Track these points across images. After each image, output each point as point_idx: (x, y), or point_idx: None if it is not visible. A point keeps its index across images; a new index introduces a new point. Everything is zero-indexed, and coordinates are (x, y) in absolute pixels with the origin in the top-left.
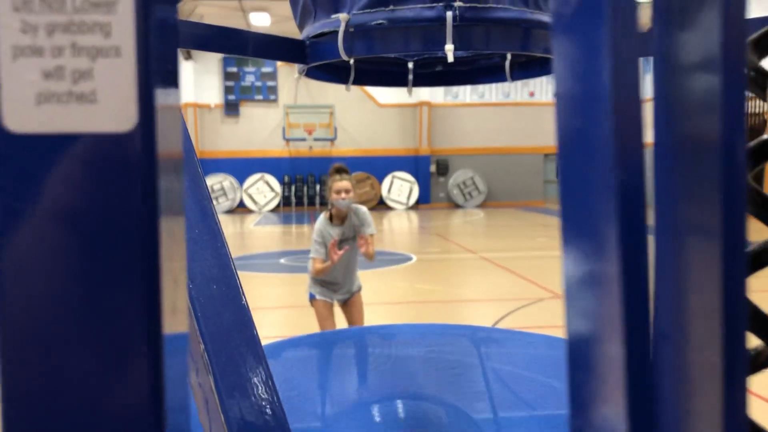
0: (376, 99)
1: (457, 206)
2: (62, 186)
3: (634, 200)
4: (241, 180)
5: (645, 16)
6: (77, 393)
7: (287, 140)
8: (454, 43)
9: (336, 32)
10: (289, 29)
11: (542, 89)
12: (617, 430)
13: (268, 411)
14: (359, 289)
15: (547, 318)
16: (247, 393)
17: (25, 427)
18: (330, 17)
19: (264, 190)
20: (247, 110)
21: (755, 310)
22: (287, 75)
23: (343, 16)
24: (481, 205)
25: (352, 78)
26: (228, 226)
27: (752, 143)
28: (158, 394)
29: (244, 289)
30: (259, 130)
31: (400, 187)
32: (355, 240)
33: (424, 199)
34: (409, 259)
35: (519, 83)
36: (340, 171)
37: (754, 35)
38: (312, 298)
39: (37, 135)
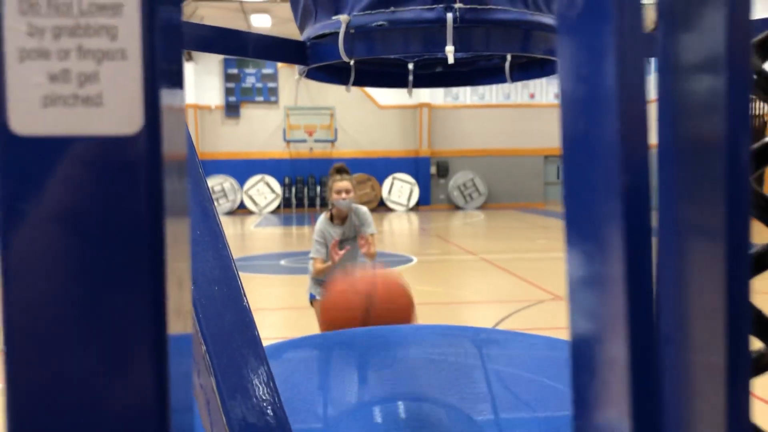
0: (376, 100)
1: (457, 208)
2: (68, 188)
3: (639, 202)
4: (242, 181)
5: (650, 17)
6: (82, 394)
7: (288, 142)
8: (454, 44)
9: (336, 33)
10: (290, 31)
11: (542, 91)
12: None
13: (270, 412)
14: None
15: (548, 320)
16: (249, 394)
17: (30, 427)
18: (330, 18)
19: (264, 191)
20: (247, 112)
21: (758, 313)
22: (288, 76)
23: (343, 18)
24: (482, 207)
25: (352, 79)
26: (228, 227)
27: (755, 145)
28: (163, 394)
29: (245, 290)
30: (260, 131)
31: (401, 189)
32: (356, 240)
33: (424, 201)
34: (410, 260)
35: (519, 85)
36: (340, 171)
37: (757, 38)
38: (313, 298)
39: (43, 138)
